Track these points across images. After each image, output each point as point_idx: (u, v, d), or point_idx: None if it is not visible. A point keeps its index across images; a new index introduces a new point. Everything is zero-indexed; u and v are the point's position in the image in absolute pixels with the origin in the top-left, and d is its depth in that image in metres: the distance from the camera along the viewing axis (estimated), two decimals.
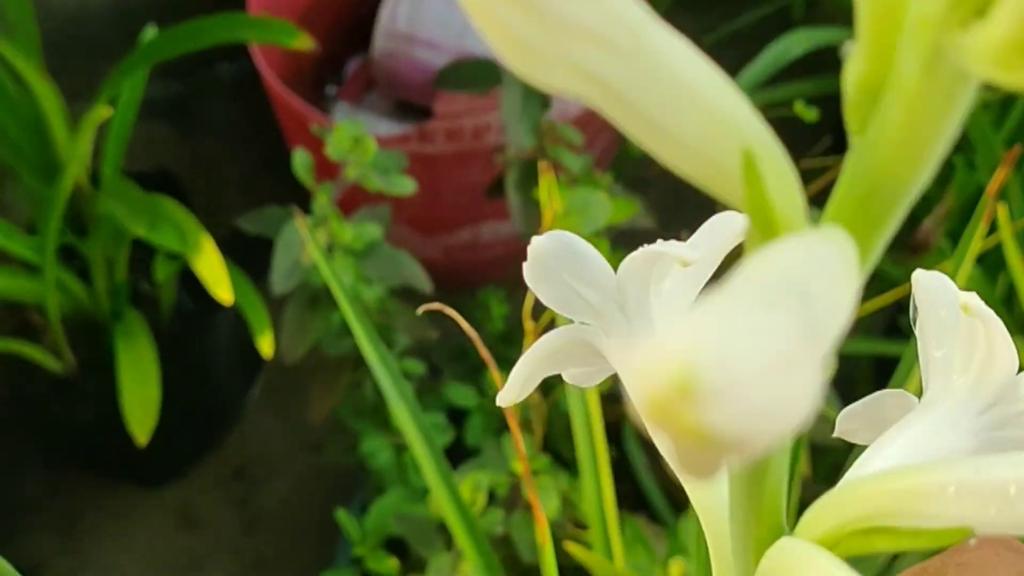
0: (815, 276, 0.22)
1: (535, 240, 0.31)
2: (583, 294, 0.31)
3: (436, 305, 0.55)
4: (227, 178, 1.84)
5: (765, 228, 0.26)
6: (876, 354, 1.37)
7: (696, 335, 0.19)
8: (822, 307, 0.21)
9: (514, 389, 0.31)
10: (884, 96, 0.24)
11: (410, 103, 1.69)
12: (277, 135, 1.75)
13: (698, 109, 0.25)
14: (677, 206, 1.79)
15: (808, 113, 1.06)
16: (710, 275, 0.34)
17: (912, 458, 0.34)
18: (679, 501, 1.37)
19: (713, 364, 0.19)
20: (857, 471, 0.35)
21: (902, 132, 0.24)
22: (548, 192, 0.88)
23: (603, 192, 0.93)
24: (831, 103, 1.17)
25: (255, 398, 1.63)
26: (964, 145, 1.31)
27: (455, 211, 1.53)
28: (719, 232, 0.32)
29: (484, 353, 0.54)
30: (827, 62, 1.80)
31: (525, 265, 0.30)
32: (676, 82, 0.25)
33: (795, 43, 1.29)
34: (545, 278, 0.31)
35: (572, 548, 0.86)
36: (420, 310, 0.57)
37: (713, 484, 0.35)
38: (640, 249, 0.31)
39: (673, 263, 0.30)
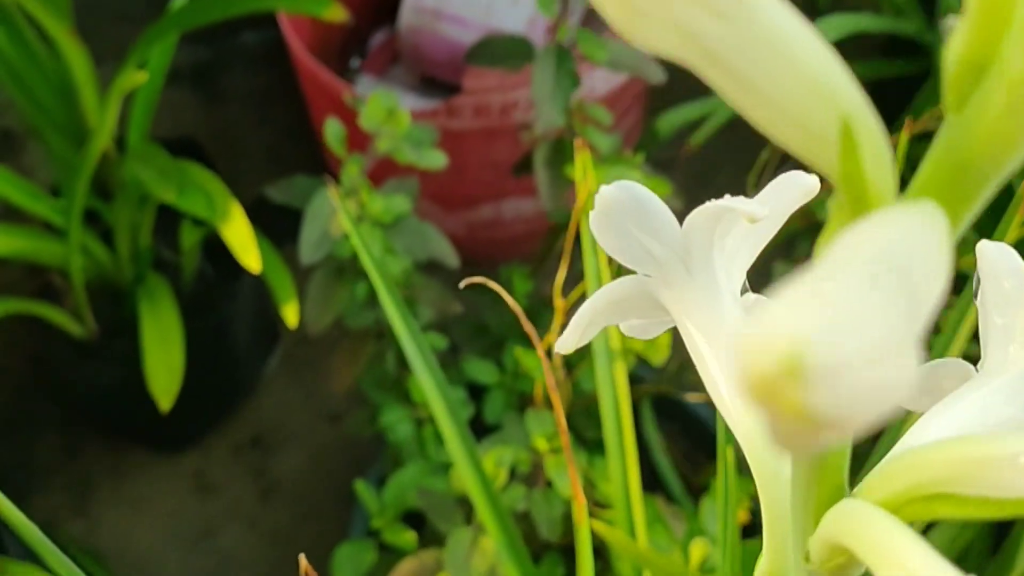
0: (914, 253, 0.22)
1: (603, 189, 0.30)
2: (647, 245, 0.30)
3: (479, 279, 0.55)
4: (250, 147, 1.84)
5: (858, 199, 0.26)
6: None
7: (804, 314, 0.19)
8: (921, 284, 0.21)
9: (575, 334, 0.31)
10: (987, 76, 0.24)
11: (434, 78, 1.69)
12: (300, 105, 1.75)
13: (799, 75, 0.25)
14: (703, 188, 1.78)
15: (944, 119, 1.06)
16: (774, 233, 0.34)
17: (970, 427, 0.34)
18: (694, 483, 1.37)
19: (823, 345, 0.19)
20: (914, 437, 0.35)
21: (1002, 114, 0.24)
22: (583, 170, 0.88)
23: (637, 171, 0.92)
24: (870, 88, 1.17)
25: (273, 368, 1.63)
26: None
27: (479, 187, 1.53)
28: (787, 191, 0.32)
29: (528, 327, 0.54)
30: (856, 50, 1.80)
31: (592, 214, 0.30)
32: (778, 47, 0.25)
33: (824, 31, 1.28)
34: (611, 227, 0.31)
35: (597, 526, 0.86)
36: (463, 283, 0.56)
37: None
38: (708, 203, 0.31)
39: (738, 219, 0.30)
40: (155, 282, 1.33)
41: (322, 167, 1.77)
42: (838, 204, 0.26)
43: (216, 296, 1.48)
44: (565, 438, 0.55)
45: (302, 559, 0.50)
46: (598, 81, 1.42)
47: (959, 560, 1.14)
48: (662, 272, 0.31)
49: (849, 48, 1.45)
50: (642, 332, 0.33)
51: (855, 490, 0.32)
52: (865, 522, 0.28)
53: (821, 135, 0.25)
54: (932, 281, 0.22)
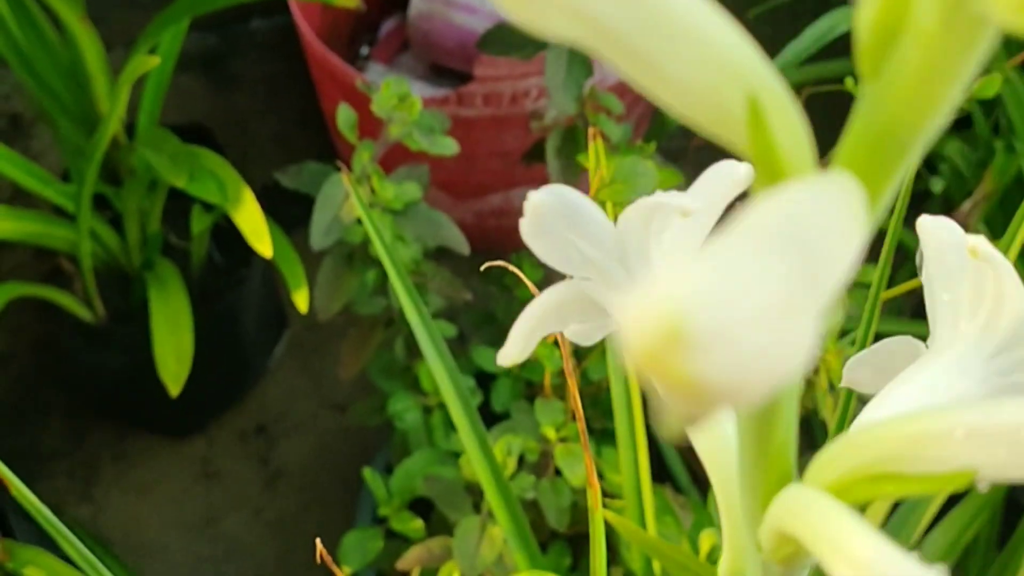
0: (817, 222, 0.22)
1: (532, 195, 0.30)
2: (583, 249, 0.30)
3: (499, 263, 0.55)
4: (259, 133, 1.84)
5: (771, 174, 0.25)
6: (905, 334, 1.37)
7: (687, 281, 0.19)
8: (823, 253, 0.21)
9: (516, 345, 0.31)
10: (900, 41, 0.23)
11: (443, 66, 1.68)
12: (310, 92, 1.75)
13: (700, 54, 0.24)
14: None
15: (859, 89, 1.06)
16: (712, 225, 0.33)
17: (920, 404, 0.33)
18: (701, 474, 1.37)
19: (703, 310, 0.18)
20: (865, 417, 0.35)
21: (918, 77, 0.24)
22: (596, 159, 0.88)
23: (650, 161, 0.92)
24: None
25: (280, 355, 1.63)
26: (1004, 129, 1.30)
27: (488, 176, 1.53)
28: (719, 181, 0.31)
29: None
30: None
31: (522, 221, 0.30)
32: (676, 25, 0.24)
33: (841, 19, 1.28)
34: (544, 233, 0.30)
35: (608, 515, 0.86)
36: (484, 267, 0.56)
37: (720, 432, 0.34)
38: (638, 200, 0.31)
39: (673, 214, 0.30)
40: (164, 268, 1.33)
41: (331, 154, 1.77)
42: (755, 181, 0.26)
43: (224, 283, 1.48)
44: (581, 424, 0.55)
45: (318, 543, 0.50)
46: (609, 70, 1.42)
47: (965, 554, 1.13)
48: (600, 275, 0.31)
49: (845, 44, 1.45)
50: (585, 337, 0.32)
51: (803, 476, 0.32)
52: (809, 508, 0.28)
53: (730, 113, 0.25)
54: (837, 248, 0.22)
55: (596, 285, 0.31)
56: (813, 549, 0.26)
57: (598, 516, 0.61)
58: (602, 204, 0.89)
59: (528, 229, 0.31)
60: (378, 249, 0.86)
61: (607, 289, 0.31)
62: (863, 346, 1.03)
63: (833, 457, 0.30)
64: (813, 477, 0.31)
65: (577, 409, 0.54)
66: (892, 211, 1.21)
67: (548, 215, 0.31)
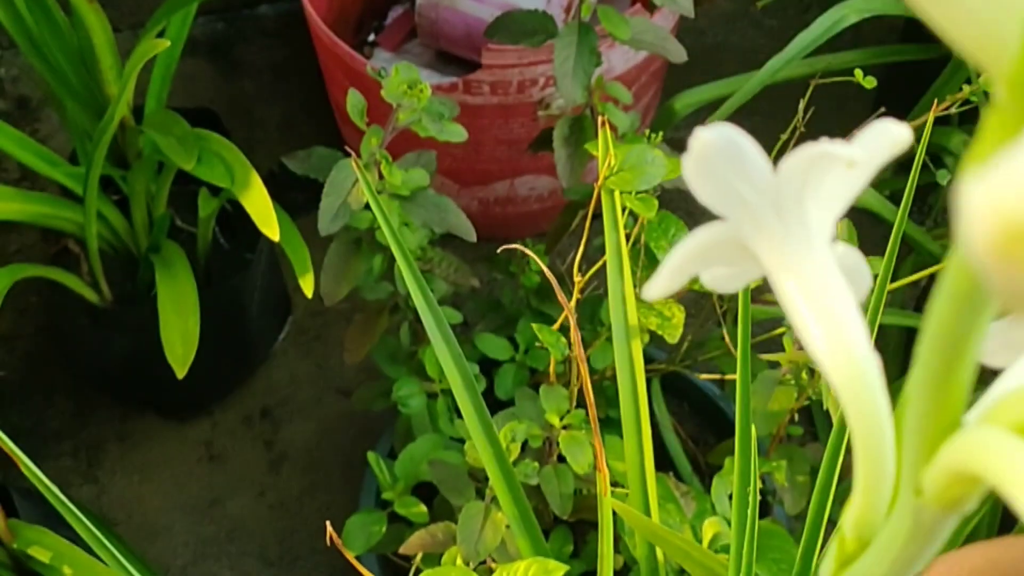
0: None
1: (701, 132, 0.30)
2: (742, 192, 0.30)
3: (516, 245, 0.55)
4: (264, 119, 1.85)
5: None
6: (908, 327, 1.37)
7: None
8: None
9: (665, 280, 0.31)
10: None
11: (450, 54, 1.69)
12: (316, 78, 1.75)
13: None
14: None
15: (868, 81, 1.06)
16: (866, 181, 0.33)
17: None
18: (701, 463, 1.38)
19: None
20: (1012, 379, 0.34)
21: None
22: (605, 147, 0.88)
23: (658, 151, 0.93)
24: (887, 72, 1.17)
25: (284, 340, 1.64)
26: None
27: (494, 163, 1.53)
28: (880, 139, 0.32)
29: (563, 299, 0.54)
30: (873, 34, 1.80)
31: (686, 157, 0.30)
32: None
33: (851, 11, 1.29)
34: (706, 172, 0.30)
35: (614, 502, 0.87)
36: (500, 250, 0.57)
37: (865, 371, 0.33)
38: (803, 148, 0.31)
39: (836, 165, 0.30)
40: (171, 251, 1.33)
41: (337, 140, 1.77)
42: (998, 114, 0.26)
43: (230, 267, 1.49)
44: (592, 412, 0.55)
45: (328, 526, 0.51)
46: (616, 59, 1.42)
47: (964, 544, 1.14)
48: (755, 219, 0.31)
49: (867, 31, 1.45)
50: (726, 283, 0.33)
51: (984, 416, 0.31)
52: (1004, 448, 0.28)
53: (999, 36, 0.25)
54: None
55: (748, 229, 0.31)
56: (1004, 488, 0.27)
57: (607, 502, 0.61)
58: (610, 192, 0.90)
59: (692, 167, 0.31)
60: (387, 235, 0.87)
61: (758, 234, 0.31)
62: (876, 337, 1.04)
63: (1008, 404, 0.30)
64: (994, 419, 0.30)
65: (588, 396, 0.54)
66: (899, 205, 1.21)
67: (714, 154, 0.31)
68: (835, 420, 1.01)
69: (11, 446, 0.74)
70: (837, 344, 0.30)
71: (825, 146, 0.29)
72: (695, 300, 1.48)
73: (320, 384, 1.62)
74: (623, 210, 0.92)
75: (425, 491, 1.18)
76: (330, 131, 1.80)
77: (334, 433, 1.58)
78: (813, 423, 1.51)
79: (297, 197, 1.73)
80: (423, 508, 1.14)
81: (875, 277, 1.08)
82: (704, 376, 1.23)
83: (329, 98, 1.73)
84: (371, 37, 1.77)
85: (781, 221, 0.30)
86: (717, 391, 1.38)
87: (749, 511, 0.75)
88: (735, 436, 0.81)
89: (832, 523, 0.86)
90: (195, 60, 1.89)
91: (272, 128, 1.84)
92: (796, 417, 1.11)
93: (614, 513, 1.16)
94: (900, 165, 1.57)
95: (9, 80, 1.88)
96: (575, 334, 0.60)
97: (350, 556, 0.48)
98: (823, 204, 0.30)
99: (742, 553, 0.80)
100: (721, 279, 0.33)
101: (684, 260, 0.31)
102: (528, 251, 0.56)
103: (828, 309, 0.29)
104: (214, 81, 1.89)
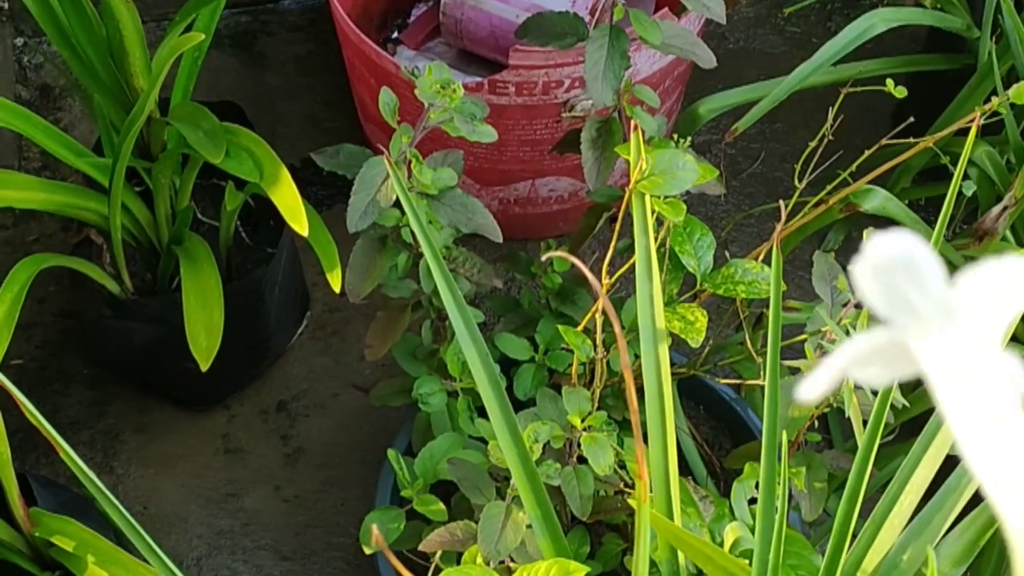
0: None
1: (879, 239, 0.30)
2: (914, 301, 0.31)
3: (561, 253, 0.55)
4: (287, 113, 1.85)
5: None
6: None
7: None
8: None
9: (823, 383, 0.31)
10: None
11: (473, 54, 1.69)
12: (339, 73, 1.75)
13: None
14: (733, 175, 1.79)
15: (899, 91, 1.06)
16: None
17: None
18: (716, 467, 1.38)
19: None
20: None
21: None
22: (637, 151, 0.89)
23: (689, 156, 0.93)
24: (908, 81, 1.17)
25: (302, 335, 1.64)
26: None
27: (516, 164, 1.54)
28: None
29: (607, 304, 0.54)
30: (896, 44, 1.80)
31: (861, 263, 0.30)
32: None
33: (879, 20, 1.29)
34: (882, 279, 0.31)
35: (632, 503, 0.87)
36: (545, 256, 0.57)
37: None
38: (984, 267, 0.31)
39: (1009, 288, 0.30)
40: (195, 244, 1.33)
41: (359, 136, 1.78)
42: None
43: (251, 261, 1.49)
44: (635, 417, 0.55)
45: (374, 529, 0.51)
46: (642, 62, 1.42)
47: (979, 558, 1.14)
48: (923, 326, 0.31)
49: (888, 40, 1.46)
50: (876, 379, 0.33)
51: None
52: None
53: None
54: None
55: (915, 335, 0.31)
56: None
57: (644, 510, 0.61)
58: (641, 196, 0.90)
59: (865, 271, 0.31)
60: (417, 233, 0.87)
61: (924, 341, 0.32)
62: None
63: None
64: None
65: (631, 401, 0.55)
66: (919, 213, 1.21)
67: (892, 264, 0.31)
68: (857, 431, 1.01)
69: (53, 433, 0.74)
70: (1002, 460, 0.30)
71: (1009, 269, 0.29)
72: (715, 304, 1.49)
73: (337, 379, 1.62)
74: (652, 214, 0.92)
75: (442, 489, 1.18)
76: (352, 127, 1.80)
77: (350, 429, 1.58)
78: (828, 429, 1.51)
79: (319, 193, 1.74)
80: (442, 506, 1.14)
81: None
82: (724, 381, 1.23)
83: (352, 94, 1.73)
84: (394, 34, 1.77)
85: (951, 331, 0.30)
86: (733, 395, 1.38)
87: (777, 517, 0.75)
88: (762, 442, 0.82)
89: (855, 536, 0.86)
90: (219, 53, 1.90)
91: (294, 122, 1.84)
92: (816, 424, 1.12)
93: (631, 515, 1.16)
94: (920, 174, 1.57)
95: (32, 68, 1.89)
96: (620, 340, 0.60)
97: (390, 555, 0.48)
98: (994, 317, 0.31)
99: (766, 559, 0.81)
100: (874, 376, 0.33)
101: (847, 363, 0.31)
102: (566, 255, 0.56)
103: (994, 426, 0.29)
104: (237, 74, 1.89)
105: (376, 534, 0.47)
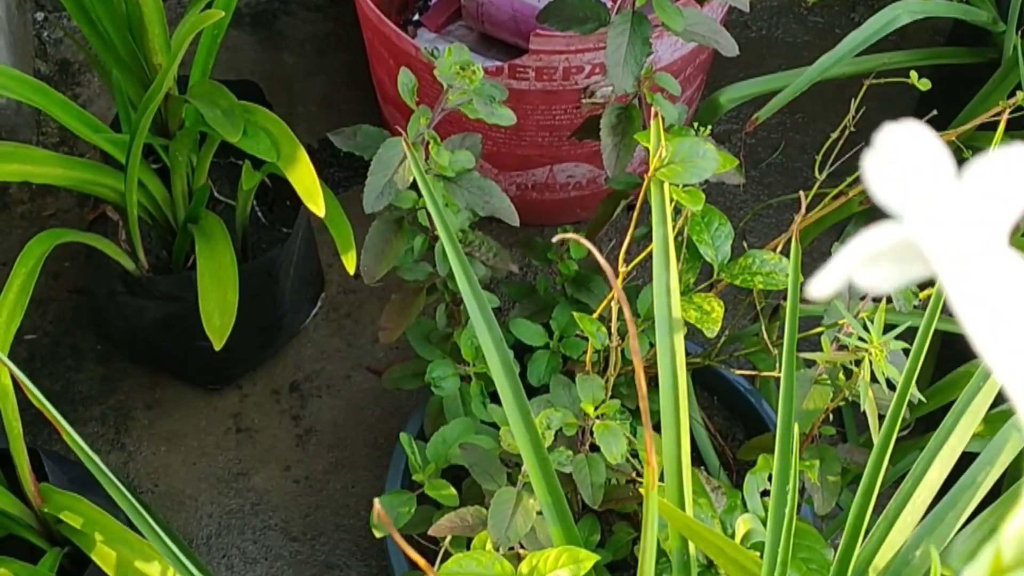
0: None
1: (889, 128, 0.30)
2: (924, 190, 0.30)
3: (576, 236, 0.55)
4: (305, 93, 1.84)
5: None
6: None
7: None
8: None
9: (832, 279, 0.31)
10: None
11: (494, 38, 1.68)
12: (357, 54, 1.75)
13: None
14: (752, 164, 1.78)
15: (923, 83, 1.05)
16: None
17: None
18: (728, 457, 1.37)
19: None
20: None
21: None
22: (657, 138, 0.88)
23: (709, 144, 0.92)
24: (931, 74, 1.16)
25: (316, 316, 1.64)
26: None
27: (535, 149, 1.53)
28: None
29: (620, 293, 0.53)
30: (919, 36, 1.79)
31: (871, 153, 0.30)
32: None
33: (904, 11, 1.28)
34: (890, 168, 0.30)
35: (641, 492, 0.86)
36: (556, 239, 0.56)
37: None
38: (997, 154, 0.30)
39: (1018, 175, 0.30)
40: (211, 222, 1.33)
41: (376, 117, 1.77)
42: None
43: (266, 241, 1.49)
44: (644, 404, 0.55)
45: (376, 503, 0.50)
46: (663, 49, 1.41)
47: None
48: (934, 217, 0.30)
49: (911, 32, 1.44)
50: (882, 283, 0.32)
51: None
52: None
53: None
54: None
55: (926, 229, 0.31)
56: None
57: (652, 497, 0.61)
58: (660, 184, 0.90)
59: (877, 162, 0.31)
60: (433, 215, 0.87)
61: (936, 235, 0.31)
62: (907, 340, 1.03)
63: None
64: None
65: (640, 388, 0.54)
66: None
67: (901, 150, 0.30)
68: (872, 425, 1.00)
69: (53, 412, 0.74)
70: (1015, 353, 0.29)
71: (1017, 157, 0.29)
72: (731, 295, 1.48)
73: (349, 361, 1.62)
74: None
75: (452, 474, 1.18)
76: (370, 108, 1.79)
77: (361, 411, 1.58)
78: (843, 423, 1.50)
79: (336, 174, 1.74)
80: (453, 491, 1.13)
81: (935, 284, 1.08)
82: (739, 372, 1.23)
83: (371, 75, 1.73)
84: (415, 16, 1.76)
85: (962, 222, 0.30)
86: (748, 386, 1.37)
87: (787, 510, 0.75)
88: (776, 434, 0.81)
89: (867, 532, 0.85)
90: (237, 32, 1.89)
91: (311, 103, 1.83)
92: (831, 417, 1.11)
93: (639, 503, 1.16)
94: None
95: (52, 43, 1.88)
96: (625, 325, 0.60)
97: (399, 538, 0.47)
98: (1003, 208, 0.30)
99: (777, 552, 0.80)
100: (879, 279, 0.32)
101: (856, 260, 0.30)
102: (583, 239, 0.56)
103: (1009, 313, 0.29)
104: (255, 53, 1.89)
105: (384, 517, 0.46)
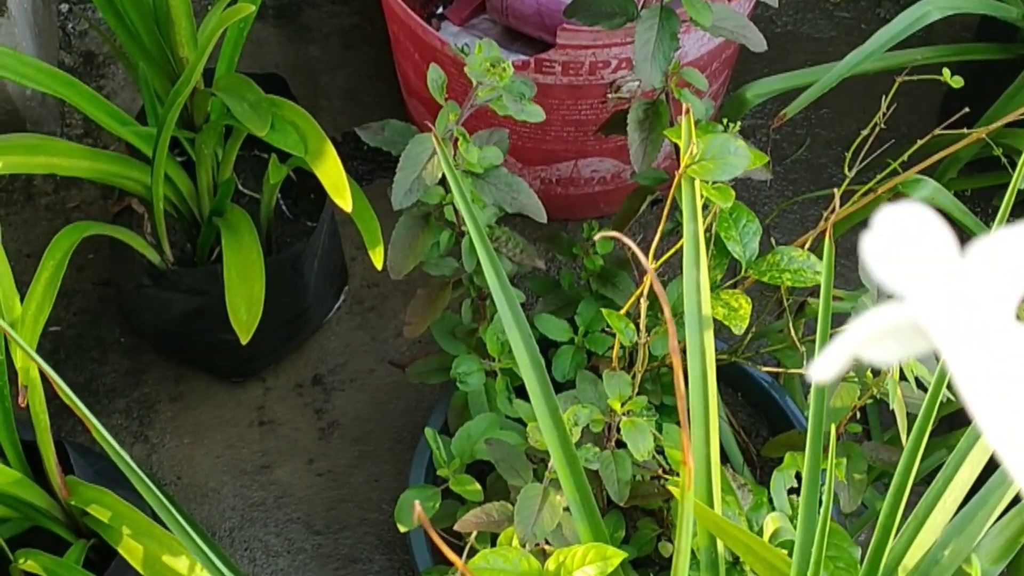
0: None
1: (887, 208, 0.30)
2: (927, 269, 0.30)
3: (614, 233, 0.55)
4: (329, 86, 1.84)
5: None
6: None
7: None
8: None
9: (834, 364, 0.31)
10: None
11: (517, 32, 1.68)
12: (382, 47, 1.75)
13: None
14: (777, 160, 1.77)
15: (955, 80, 1.05)
16: None
17: None
18: (752, 454, 1.37)
19: None
20: None
21: None
22: (688, 135, 0.88)
23: (740, 141, 0.92)
24: (957, 70, 1.16)
25: (339, 310, 1.64)
26: None
27: (559, 144, 1.53)
28: None
29: (659, 288, 0.53)
30: (946, 32, 1.78)
31: (870, 235, 0.30)
32: None
33: (934, 7, 1.27)
34: (891, 249, 0.30)
35: (675, 491, 0.86)
36: (598, 236, 0.56)
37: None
38: (998, 235, 0.30)
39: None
40: (237, 216, 1.33)
41: (401, 111, 1.77)
42: None
43: (290, 234, 1.49)
44: (682, 403, 0.55)
45: (417, 506, 0.50)
46: (690, 44, 1.41)
47: (1019, 555, 1.13)
48: (937, 297, 0.30)
49: (938, 28, 1.44)
50: (888, 357, 0.32)
51: None
52: None
53: None
54: None
55: (929, 308, 0.30)
56: None
57: (689, 497, 0.61)
58: (691, 181, 0.89)
59: (876, 243, 0.30)
60: (463, 211, 0.87)
61: (939, 314, 0.31)
62: None
63: None
64: None
65: (679, 387, 0.54)
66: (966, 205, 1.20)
67: (900, 234, 0.30)
68: (901, 424, 1.00)
69: (81, 407, 0.74)
70: (1017, 430, 0.29)
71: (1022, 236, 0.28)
72: (755, 292, 1.47)
73: (373, 355, 1.62)
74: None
75: (475, 470, 1.18)
76: (394, 102, 1.79)
77: (384, 405, 1.58)
78: (867, 420, 1.50)
79: (359, 167, 1.74)
80: (478, 487, 1.13)
81: None
82: (766, 369, 1.22)
83: (395, 69, 1.72)
84: (439, 10, 1.76)
85: (967, 301, 0.29)
86: (772, 382, 1.37)
87: (822, 510, 0.74)
88: (807, 431, 0.81)
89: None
90: (262, 24, 1.89)
91: (335, 96, 1.83)
92: (858, 415, 1.11)
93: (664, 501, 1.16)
94: (968, 166, 1.55)
95: (77, 35, 1.89)
96: (651, 321, 0.59)
97: (434, 534, 0.47)
98: (1009, 285, 0.30)
99: (807, 551, 0.80)
100: (884, 354, 0.32)
101: (860, 339, 0.30)
102: (620, 236, 0.55)
103: (1012, 390, 0.29)
104: (280, 46, 1.89)
105: (419, 511, 0.46)
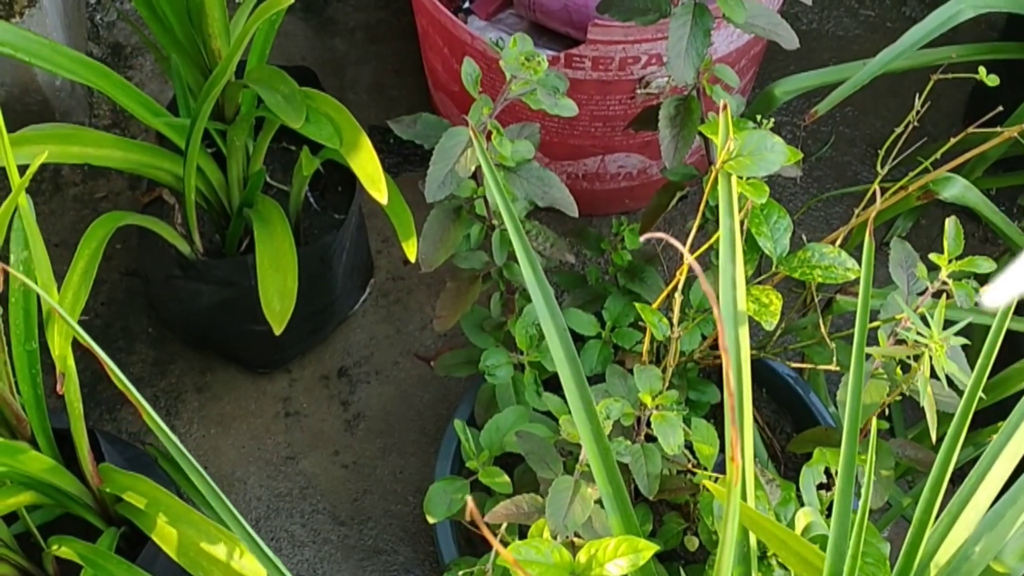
0: None
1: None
2: None
3: (660, 235, 0.55)
4: (355, 79, 1.85)
5: None
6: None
7: None
8: None
9: (1015, 289, 0.30)
10: None
11: (543, 27, 1.68)
12: (409, 41, 1.75)
13: None
14: (805, 160, 1.78)
15: (991, 79, 1.05)
16: None
17: None
18: (776, 450, 1.37)
19: None
20: None
21: None
22: (725, 131, 0.88)
23: (777, 137, 0.92)
24: (990, 69, 1.15)
25: (365, 302, 1.65)
26: None
27: (587, 139, 1.53)
28: None
29: (705, 285, 0.53)
30: (971, 30, 1.78)
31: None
32: None
33: (967, 5, 1.27)
34: None
35: (712, 487, 0.87)
36: (644, 237, 0.56)
37: None
38: None
39: None
40: (269, 207, 1.34)
41: (427, 104, 1.77)
42: None
43: (319, 226, 1.50)
44: (731, 400, 0.55)
45: (469, 500, 0.51)
46: (720, 41, 1.41)
47: None
48: None
49: (965, 28, 1.44)
50: None
51: None
52: None
53: None
54: None
55: None
56: None
57: (735, 493, 0.61)
58: (727, 177, 0.90)
59: None
60: (500, 205, 0.87)
61: None
62: (967, 336, 1.03)
63: None
64: None
65: (728, 382, 0.54)
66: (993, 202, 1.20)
67: None
68: (931, 421, 1.00)
69: (137, 396, 0.75)
70: None
71: None
72: (783, 288, 1.48)
73: (398, 347, 1.63)
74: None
75: (502, 462, 1.18)
76: (420, 95, 1.80)
77: (410, 397, 1.59)
78: (890, 417, 1.50)
79: (385, 160, 1.74)
80: (507, 479, 1.14)
81: (974, 276, 1.07)
82: (795, 365, 1.23)
83: (422, 62, 1.73)
84: (466, 4, 1.76)
85: None
86: (796, 378, 1.37)
87: (861, 507, 0.75)
88: (843, 430, 0.81)
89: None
90: (289, 17, 1.90)
91: (362, 89, 1.84)
92: (888, 412, 1.11)
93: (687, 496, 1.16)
94: (995, 164, 1.56)
95: (105, 26, 1.90)
96: (717, 313, 0.60)
97: (484, 528, 0.47)
98: None
99: (841, 546, 0.80)
100: None
101: None
102: (666, 237, 0.56)
103: None
104: (306, 39, 1.89)
105: (472, 507, 0.47)
